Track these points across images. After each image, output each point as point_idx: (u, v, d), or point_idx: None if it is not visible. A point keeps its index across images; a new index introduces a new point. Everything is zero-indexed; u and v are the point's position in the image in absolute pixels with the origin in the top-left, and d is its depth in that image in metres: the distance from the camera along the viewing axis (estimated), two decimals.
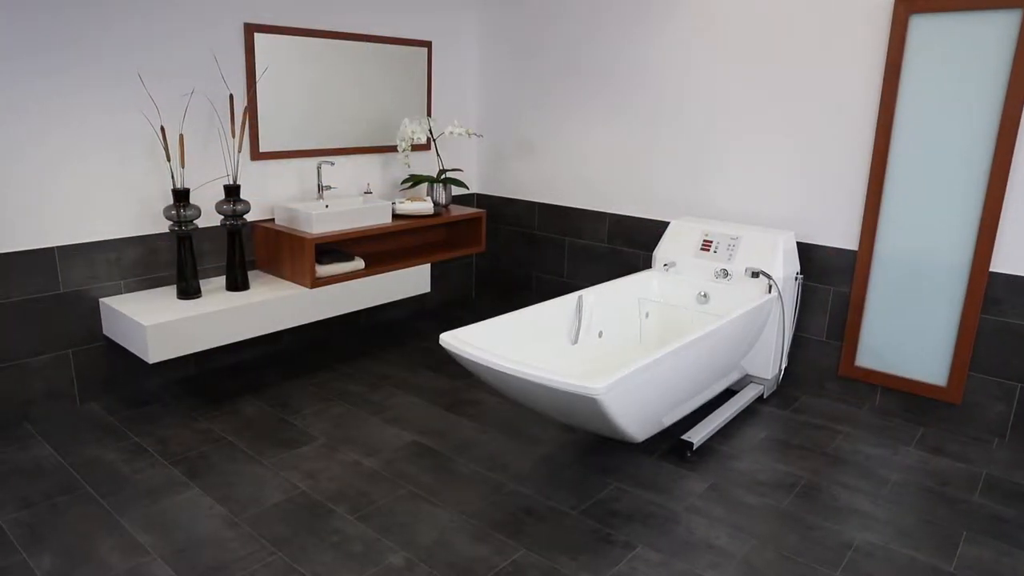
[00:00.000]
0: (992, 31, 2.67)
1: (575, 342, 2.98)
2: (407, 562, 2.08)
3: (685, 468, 2.64)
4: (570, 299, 2.97)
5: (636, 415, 2.31)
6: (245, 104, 3.25)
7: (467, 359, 2.35)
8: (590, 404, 2.11)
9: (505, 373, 2.22)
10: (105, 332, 2.96)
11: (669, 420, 2.67)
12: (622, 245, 3.88)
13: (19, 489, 2.39)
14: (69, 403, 2.96)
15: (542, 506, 2.39)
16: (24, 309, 2.77)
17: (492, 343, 2.58)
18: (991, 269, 2.82)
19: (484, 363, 2.28)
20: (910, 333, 3.05)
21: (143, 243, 3.05)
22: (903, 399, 3.12)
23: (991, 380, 2.90)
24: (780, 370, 3.26)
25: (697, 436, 2.73)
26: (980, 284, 2.84)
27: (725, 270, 3.18)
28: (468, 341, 2.43)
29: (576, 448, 2.77)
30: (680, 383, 2.52)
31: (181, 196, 2.86)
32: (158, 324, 2.71)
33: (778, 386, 3.37)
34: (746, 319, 2.82)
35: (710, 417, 2.91)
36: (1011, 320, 2.81)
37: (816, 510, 2.41)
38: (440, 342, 2.43)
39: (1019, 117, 2.66)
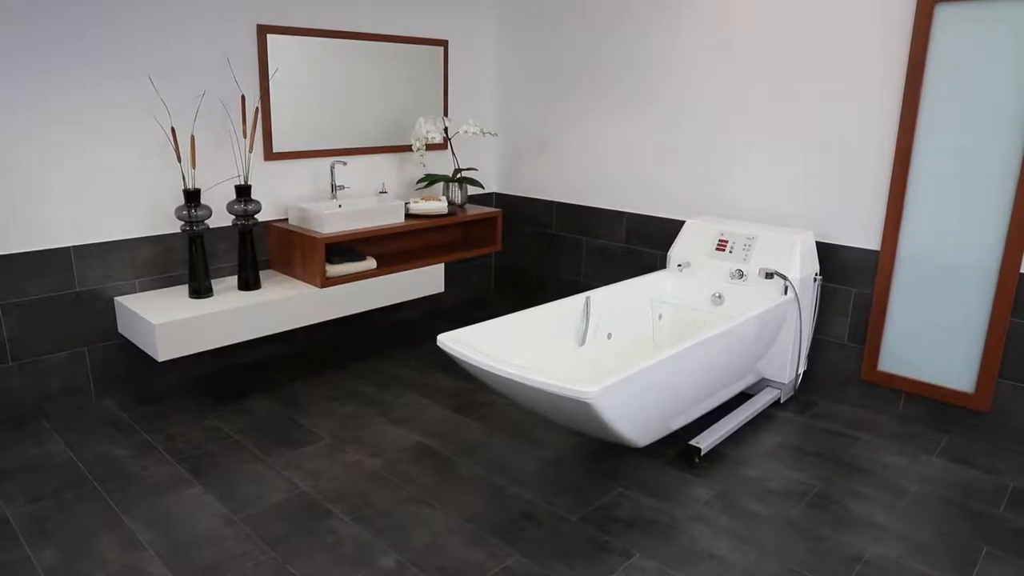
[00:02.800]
0: (1022, 20, 2.54)
1: (582, 344, 2.92)
2: (398, 564, 2.06)
3: (692, 474, 2.57)
4: (576, 300, 2.92)
5: (635, 420, 2.25)
6: (257, 105, 3.28)
7: (464, 361, 2.32)
8: (584, 408, 2.06)
9: (500, 376, 2.18)
10: (120, 330, 3.02)
11: (677, 424, 2.60)
12: (639, 245, 3.80)
13: (29, 483, 2.45)
14: (85, 400, 3.02)
15: (541, 511, 2.35)
16: (42, 307, 2.84)
17: (494, 345, 2.54)
18: (1022, 271, 2.67)
19: (480, 365, 2.25)
20: (936, 337, 2.92)
21: (157, 243, 3.10)
22: (928, 406, 2.99)
23: (1022, 387, 2.75)
24: (798, 374, 3.16)
25: (706, 441, 2.65)
26: (1010, 286, 2.70)
27: (740, 270, 3.08)
28: (467, 343, 2.40)
29: (581, 452, 2.72)
30: (685, 388, 2.45)
31: (192, 197, 2.90)
32: (167, 323, 2.75)
33: (796, 391, 3.26)
34: (758, 322, 2.74)
35: (721, 422, 2.82)
36: None
37: (827, 521, 2.31)
38: (438, 343, 2.40)
39: None
